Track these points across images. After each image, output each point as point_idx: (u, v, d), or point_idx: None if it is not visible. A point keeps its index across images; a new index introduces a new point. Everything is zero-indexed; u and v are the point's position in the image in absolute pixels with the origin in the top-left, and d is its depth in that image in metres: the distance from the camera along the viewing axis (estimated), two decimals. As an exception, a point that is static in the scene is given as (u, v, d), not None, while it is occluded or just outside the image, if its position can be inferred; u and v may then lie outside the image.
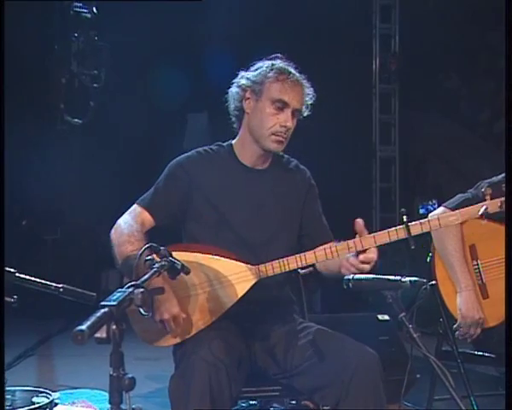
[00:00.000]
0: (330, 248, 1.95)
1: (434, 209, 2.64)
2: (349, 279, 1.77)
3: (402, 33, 6.98)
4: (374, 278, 1.74)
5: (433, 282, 2.52)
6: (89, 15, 5.75)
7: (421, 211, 6.32)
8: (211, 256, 2.02)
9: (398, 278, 1.70)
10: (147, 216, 2.13)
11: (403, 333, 1.77)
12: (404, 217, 1.90)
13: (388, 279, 1.71)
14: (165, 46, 6.12)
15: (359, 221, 1.89)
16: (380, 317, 3.22)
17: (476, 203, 2.50)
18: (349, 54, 6.43)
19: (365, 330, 2.80)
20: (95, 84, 5.79)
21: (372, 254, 1.87)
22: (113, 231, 2.08)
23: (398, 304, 1.68)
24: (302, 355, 2.02)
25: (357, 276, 1.78)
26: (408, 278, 1.69)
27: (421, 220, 1.93)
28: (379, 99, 7.11)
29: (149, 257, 1.67)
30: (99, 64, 5.79)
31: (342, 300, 3.85)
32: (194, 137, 6.57)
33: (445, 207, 2.55)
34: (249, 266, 2.01)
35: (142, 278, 1.51)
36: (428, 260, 2.60)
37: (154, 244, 1.71)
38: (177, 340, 2.00)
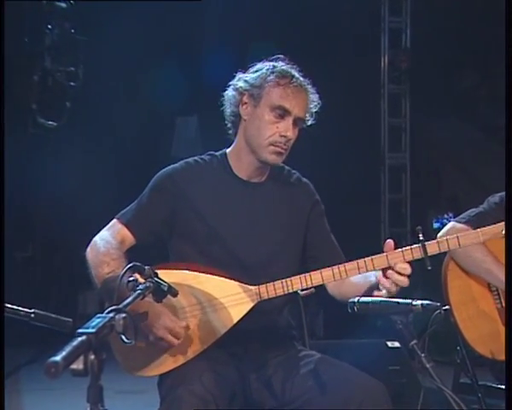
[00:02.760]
0: (338, 267, 1.98)
1: None
2: (354, 302, 1.77)
3: (414, 27, 7.04)
4: (381, 301, 1.75)
5: (447, 307, 2.53)
6: (64, 5, 5.75)
7: (436, 225, 6.33)
8: (202, 275, 2.03)
9: (409, 300, 1.71)
10: (127, 233, 2.13)
11: (415, 362, 1.77)
12: (420, 235, 1.93)
13: (397, 302, 1.72)
14: (153, 44, 6.15)
15: (391, 243, 1.95)
16: (389, 344, 3.22)
17: (489, 218, 2.53)
18: (354, 51, 6.48)
19: (373, 358, 2.80)
20: (71, 83, 5.79)
21: (405, 265, 1.93)
22: (88, 249, 2.09)
23: (409, 330, 1.69)
24: (302, 387, 2.02)
25: (363, 299, 1.79)
26: (420, 301, 1.69)
27: (438, 239, 1.97)
28: (388, 101, 7.16)
29: (132, 278, 1.67)
30: (76, 60, 5.79)
31: (347, 325, 3.85)
32: (183, 144, 6.59)
33: (455, 222, 2.57)
34: (247, 286, 2.02)
35: (125, 302, 1.51)
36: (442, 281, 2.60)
37: (138, 263, 1.72)
38: (164, 369, 2.00)
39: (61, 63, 5.77)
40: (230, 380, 2.02)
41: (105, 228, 2.15)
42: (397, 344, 3.21)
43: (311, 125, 2.20)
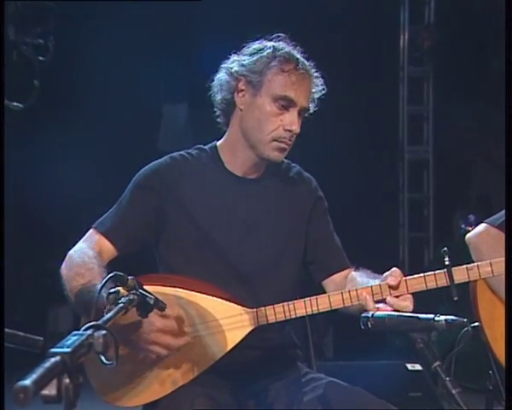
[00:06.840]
0: (349, 292, 1.99)
1: None
2: (368, 317, 1.77)
3: None
4: (399, 316, 1.76)
5: (477, 324, 2.53)
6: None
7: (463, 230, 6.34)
8: (195, 293, 2.03)
9: (431, 316, 1.71)
10: (106, 244, 2.14)
11: (439, 388, 1.78)
12: (446, 258, 1.93)
13: (418, 317, 1.72)
14: (138, 15, 6.12)
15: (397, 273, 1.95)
16: (409, 366, 3.24)
17: None
18: (369, 27, 6.48)
19: (391, 382, 2.82)
20: (40, 57, 5.74)
21: (406, 303, 1.94)
22: (63, 265, 2.09)
23: (431, 350, 1.69)
24: (308, 416, 2.04)
25: (379, 313, 1.80)
26: (443, 317, 1.69)
27: (468, 265, 1.98)
28: (407, 85, 7.18)
29: (114, 290, 1.68)
30: (45, 31, 5.73)
31: (360, 344, 3.87)
32: (171, 136, 6.61)
33: (487, 224, 2.57)
34: (246, 309, 2.03)
35: (105, 317, 1.52)
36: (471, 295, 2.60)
37: (120, 273, 1.73)
38: (149, 398, 2.01)
39: (27, 34, 5.70)
40: (226, 407, 2.03)
41: (81, 240, 2.15)
42: (418, 367, 3.23)
43: (317, 114, 2.21)
